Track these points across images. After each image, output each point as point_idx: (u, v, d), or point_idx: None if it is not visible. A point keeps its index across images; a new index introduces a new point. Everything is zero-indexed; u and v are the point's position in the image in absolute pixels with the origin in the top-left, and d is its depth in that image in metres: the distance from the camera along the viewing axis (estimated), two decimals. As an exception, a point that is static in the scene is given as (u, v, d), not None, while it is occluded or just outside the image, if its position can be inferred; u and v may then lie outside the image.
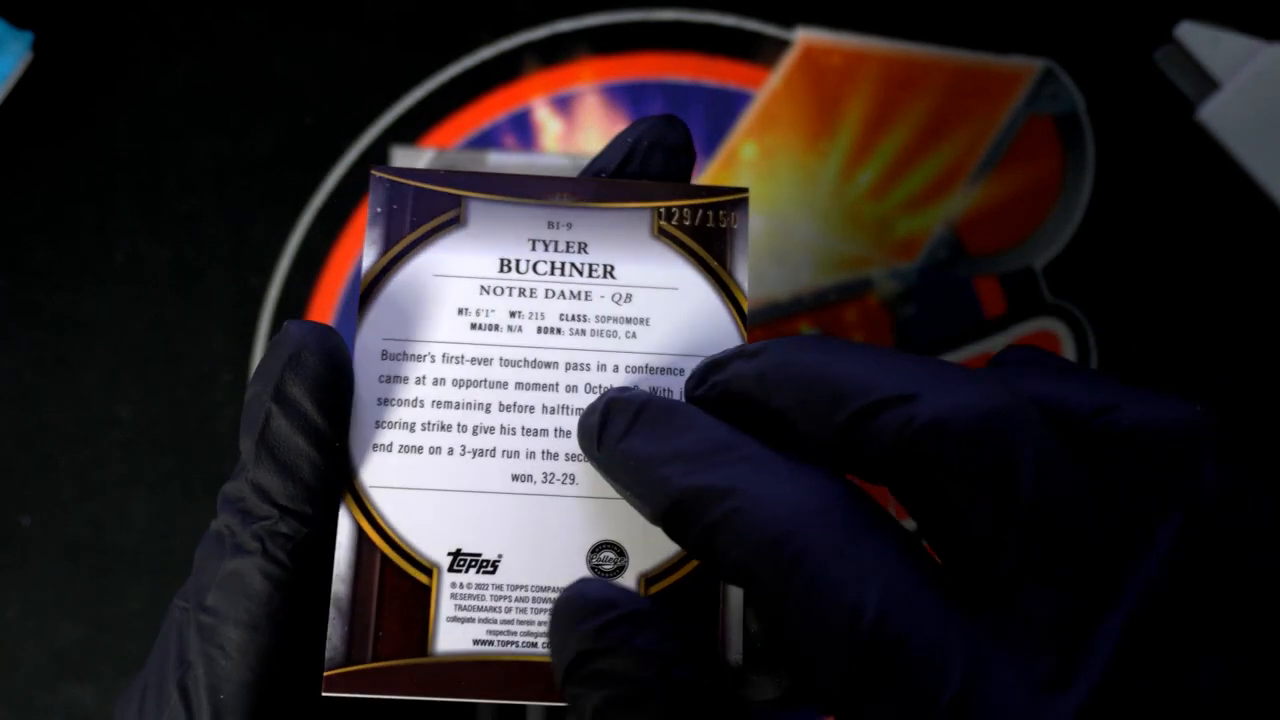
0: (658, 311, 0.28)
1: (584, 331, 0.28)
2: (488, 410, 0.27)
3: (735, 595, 0.27)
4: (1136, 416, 0.23)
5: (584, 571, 0.27)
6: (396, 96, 0.48)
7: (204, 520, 0.44)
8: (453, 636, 0.26)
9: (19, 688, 0.44)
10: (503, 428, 0.27)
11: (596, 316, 0.28)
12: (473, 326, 0.28)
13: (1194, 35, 0.47)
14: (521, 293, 0.28)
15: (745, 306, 0.28)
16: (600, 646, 0.22)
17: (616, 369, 0.28)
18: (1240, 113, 0.46)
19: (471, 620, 0.26)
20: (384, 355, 0.27)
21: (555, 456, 0.27)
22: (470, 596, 0.26)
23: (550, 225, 0.28)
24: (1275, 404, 0.46)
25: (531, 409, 0.27)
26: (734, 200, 0.29)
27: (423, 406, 0.27)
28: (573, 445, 0.27)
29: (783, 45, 0.48)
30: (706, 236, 0.28)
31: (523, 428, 0.27)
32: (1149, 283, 0.46)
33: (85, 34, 0.48)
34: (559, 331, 0.28)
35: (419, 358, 0.28)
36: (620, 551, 0.27)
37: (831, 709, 0.22)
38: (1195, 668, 0.21)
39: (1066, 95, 0.48)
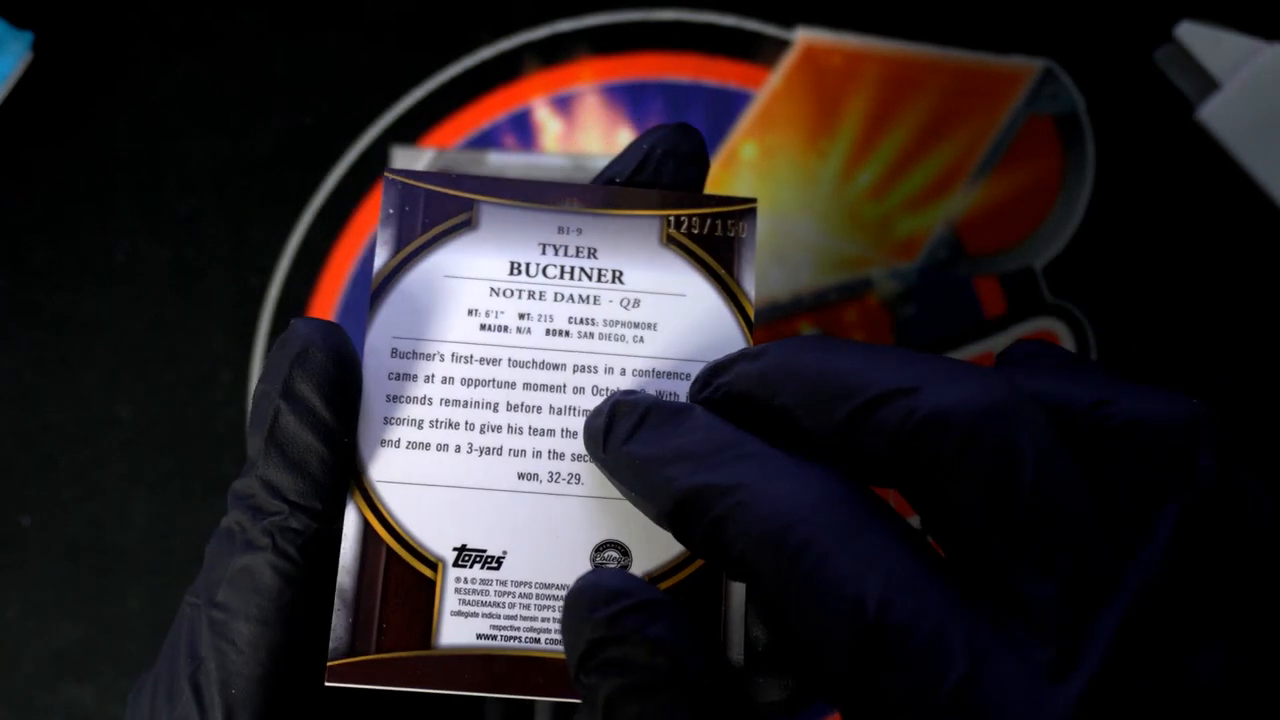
0: (665, 317, 0.28)
1: (592, 335, 0.28)
2: (495, 409, 0.28)
3: (737, 596, 0.27)
4: (1133, 410, 0.23)
5: (588, 569, 0.27)
6: (396, 96, 0.48)
7: (204, 520, 0.44)
8: (456, 630, 0.27)
9: (19, 688, 0.44)
10: (510, 427, 0.28)
11: (604, 320, 0.28)
12: (482, 327, 0.28)
13: (1194, 35, 0.47)
14: (531, 295, 0.28)
15: (751, 314, 0.28)
16: (613, 634, 0.23)
17: (623, 372, 0.28)
18: (1240, 113, 0.46)
19: (475, 615, 0.27)
20: (394, 353, 0.28)
21: (561, 456, 0.27)
22: (474, 592, 0.27)
23: (561, 230, 0.29)
24: (1275, 404, 0.46)
25: (539, 409, 0.28)
26: (742, 210, 0.29)
27: (431, 404, 0.28)
28: (579, 446, 0.27)
29: (783, 45, 0.48)
30: (714, 245, 0.29)
31: (530, 427, 0.28)
32: (1149, 283, 0.46)
33: (85, 34, 0.48)
34: (567, 334, 0.28)
35: (428, 356, 0.28)
36: (624, 551, 0.27)
37: (836, 699, 0.22)
38: (1194, 657, 0.21)
39: (1066, 95, 0.48)
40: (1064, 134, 0.47)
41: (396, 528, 0.27)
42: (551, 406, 0.28)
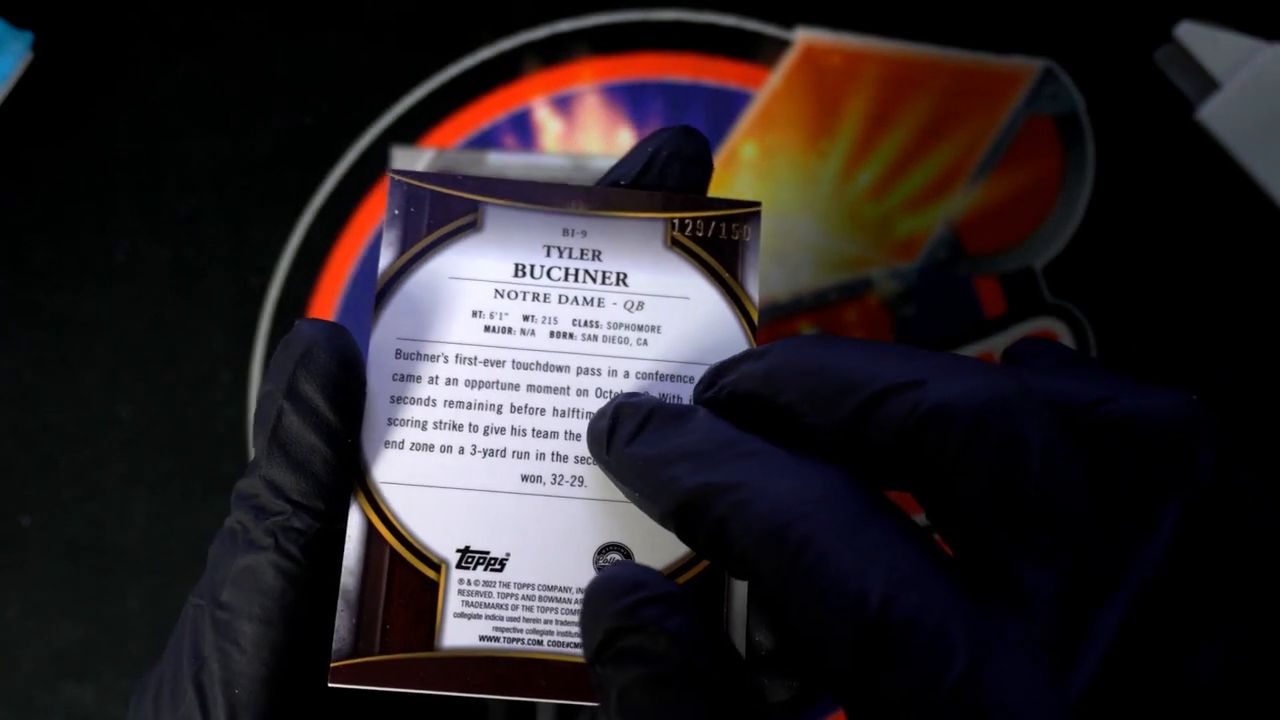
0: (669, 319, 0.28)
1: (596, 337, 0.28)
2: (499, 411, 0.28)
3: (739, 599, 0.27)
4: (1134, 407, 0.23)
5: (591, 572, 0.27)
6: (396, 96, 0.48)
7: (204, 520, 0.44)
8: (459, 632, 0.27)
9: (19, 688, 0.44)
10: (514, 429, 0.28)
11: (608, 323, 0.28)
12: (486, 329, 0.28)
13: (1194, 35, 0.47)
14: (535, 297, 0.28)
15: (755, 317, 0.28)
16: (632, 624, 0.23)
17: (627, 374, 0.28)
18: (1240, 113, 0.46)
19: (478, 616, 0.27)
20: (398, 354, 0.28)
21: (565, 459, 0.27)
22: (477, 593, 0.27)
23: (565, 232, 0.29)
24: (1275, 404, 0.46)
25: (542, 411, 0.28)
26: (747, 213, 0.29)
27: (435, 406, 0.28)
28: (582, 448, 0.27)
29: (783, 45, 0.48)
30: (719, 248, 0.29)
31: (533, 429, 0.28)
32: (1149, 283, 0.47)
33: (85, 34, 0.48)
34: (571, 336, 0.28)
35: (433, 358, 0.28)
36: (626, 553, 0.27)
37: (838, 696, 0.22)
38: (1194, 656, 0.21)
39: (1066, 95, 0.48)
40: (1064, 134, 0.47)
41: (400, 529, 0.27)
42: (555, 408, 0.28)
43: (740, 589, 0.27)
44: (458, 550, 0.27)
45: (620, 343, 0.28)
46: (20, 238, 0.46)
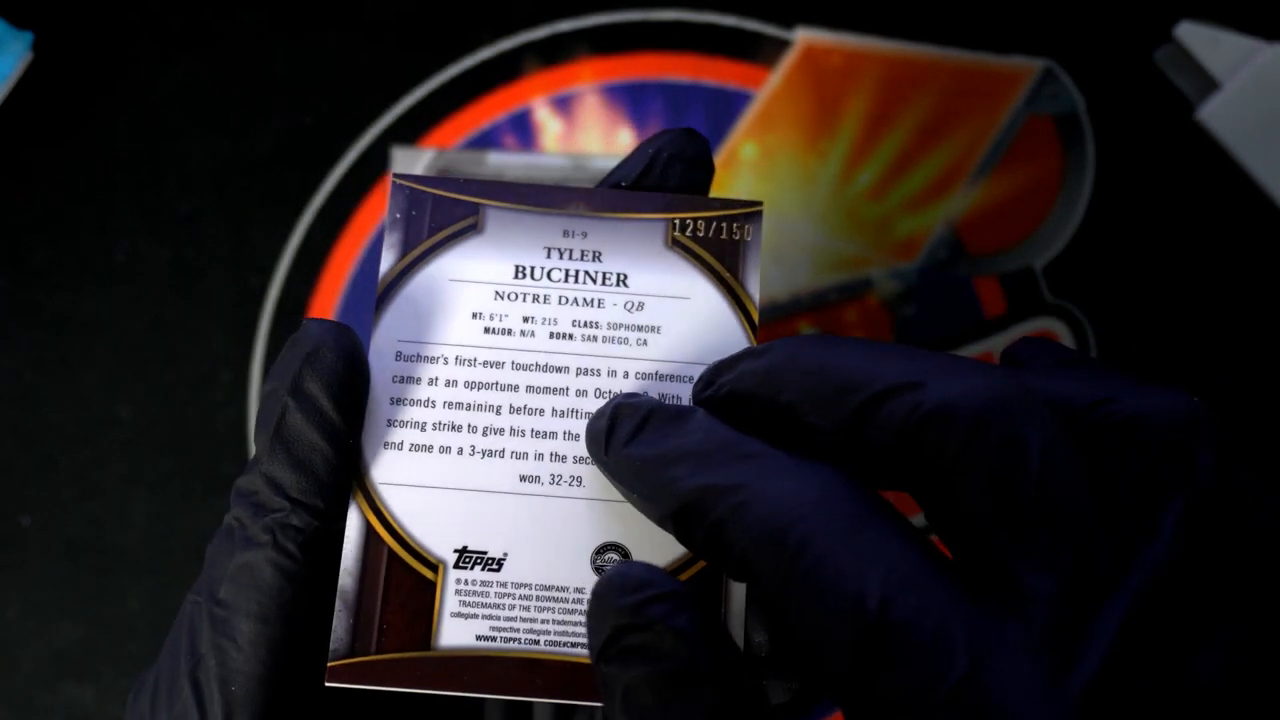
0: (669, 320, 0.28)
1: (595, 338, 0.28)
2: (498, 412, 0.28)
3: (737, 600, 0.27)
4: (1135, 407, 0.23)
5: (588, 572, 0.27)
6: (396, 96, 0.48)
7: (204, 520, 0.44)
8: (456, 632, 0.27)
9: (19, 688, 0.44)
10: (512, 430, 0.28)
11: (608, 323, 0.28)
12: (486, 330, 0.28)
13: (1194, 35, 0.47)
14: (535, 299, 0.28)
15: (756, 317, 0.28)
16: (638, 622, 0.23)
17: (626, 375, 0.28)
18: (1240, 113, 0.46)
19: (475, 616, 0.27)
20: (398, 356, 0.28)
21: (563, 459, 0.27)
22: (475, 593, 0.27)
23: (566, 234, 0.29)
24: (1275, 404, 0.46)
25: (541, 412, 0.28)
26: (748, 213, 0.29)
27: (434, 407, 0.28)
28: (580, 448, 0.27)
29: (783, 45, 0.48)
30: (719, 248, 0.29)
31: (532, 430, 0.28)
32: (1149, 283, 0.46)
33: (85, 34, 0.48)
34: (571, 337, 0.28)
35: (433, 359, 0.28)
36: (625, 553, 0.27)
37: (837, 696, 0.22)
38: (1194, 656, 0.21)
39: (1066, 95, 0.48)
40: (1064, 134, 0.47)
41: (398, 529, 0.27)
42: (554, 409, 0.28)
43: (739, 590, 0.27)
44: (455, 550, 0.27)
45: (620, 343, 0.28)
46: (20, 238, 0.46)
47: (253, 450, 0.28)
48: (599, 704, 0.27)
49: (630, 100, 0.48)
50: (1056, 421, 0.23)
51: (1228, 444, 0.23)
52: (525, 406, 0.28)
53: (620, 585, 0.23)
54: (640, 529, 0.27)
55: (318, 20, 0.48)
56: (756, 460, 0.24)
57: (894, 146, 0.47)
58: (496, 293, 0.28)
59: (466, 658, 0.26)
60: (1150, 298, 0.46)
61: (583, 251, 0.29)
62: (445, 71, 0.48)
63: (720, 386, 0.26)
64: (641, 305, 0.28)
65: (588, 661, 0.26)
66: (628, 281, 0.29)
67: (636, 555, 0.27)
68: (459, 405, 0.28)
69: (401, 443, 0.27)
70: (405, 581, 0.27)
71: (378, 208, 0.47)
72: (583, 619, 0.27)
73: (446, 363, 0.28)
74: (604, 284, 0.29)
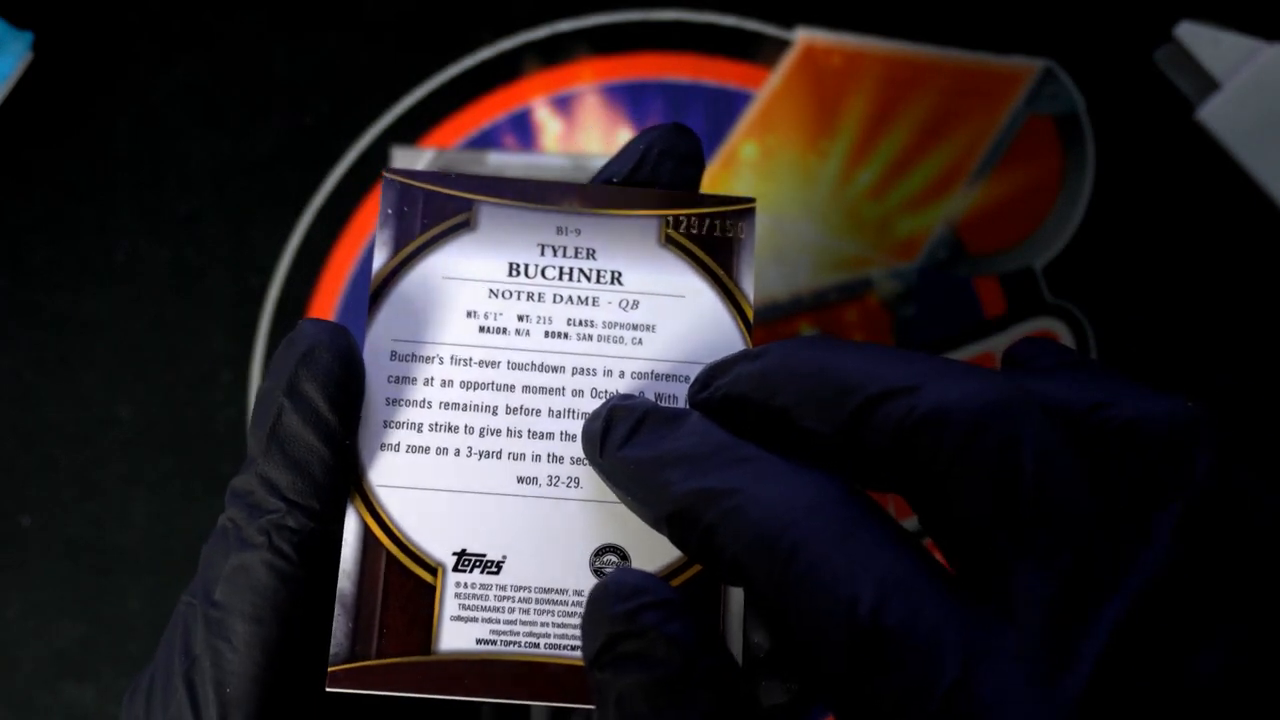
0: (664, 318, 0.28)
1: (591, 337, 0.28)
2: (495, 413, 0.28)
3: (735, 601, 0.27)
4: (1134, 411, 0.23)
5: (587, 575, 0.27)
6: (396, 96, 0.48)
7: (204, 520, 0.44)
8: (456, 635, 0.26)
9: (19, 688, 0.44)
10: (509, 430, 0.27)
11: (603, 322, 0.28)
12: (481, 329, 0.28)
13: (1194, 35, 0.47)
14: (530, 297, 0.28)
15: (750, 315, 0.28)
16: (633, 629, 0.23)
17: (622, 374, 0.28)
18: (1240, 113, 0.46)
19: (475, 620, 0.27)
20: (393, 356, 0.28)
21: (560, 460, 0.27)
22: (474, 596, 0.27)
23: (559, 231, 0.29)
24: (1275, 404, 0.46)
25: (538, 412, 0.28)
26: (741, 210, 0.29)
27: (430, 407, 0.27)
28: (578, 449, 0.27)
29: (783, 45, 0.48)
30: (713, 245, 0.29)
31: (529, 431, 0.27)
32: (1149, 283, 0.46)
33: (85, 34, 0.48)
34: (566, 336, 0.28)
35: (428, 359, 0.28)
36: (623, 555, 0.27)
37: (833, 700, 0.22)
38: (1193, 657, 0.21)
39: (1066, 95, 0.48)
40: (1064, 134, 0.47)
41: (396, 532, 0.27)
42: (550, 409, 0.28)
43: (737, 591, 0.27)
44: (454, 553, 0.27)
45: (615, 342, 0.28)
46: (20, 238, 0.46)
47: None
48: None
49: (630, 100, 0.48)
50: (1055, 424, 0.23)
51: (1228, 445, 0.23)
52: (522, 407, 0.28)
53: (615, 592, 0.23)
54: (639, 531, 0.27)
55: (318, 20, 0.48)
56: (750, 464, 0.24)
57: (894, 146, 0.47)
58: (491, 291, 0.28)
59: (467, 662, 0.26)
60: (1150, 298, 0.46)
61: (576, 249, 0.29)
62: (445, 71, 0.48)
63: (716, 389, 0.26)
64: (636, 303, 0.28)
65: None
66: (622, 279, 0.28)
67: (635, 557, 0.27)
68: (455, 406, 0.28)
69: (398, 444, 0.27)
70: (405, 585, 0.27)
71: (377, 208, 0.47)
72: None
73: (442, 362, 0.28)
74: (598, 282, 0.28)
